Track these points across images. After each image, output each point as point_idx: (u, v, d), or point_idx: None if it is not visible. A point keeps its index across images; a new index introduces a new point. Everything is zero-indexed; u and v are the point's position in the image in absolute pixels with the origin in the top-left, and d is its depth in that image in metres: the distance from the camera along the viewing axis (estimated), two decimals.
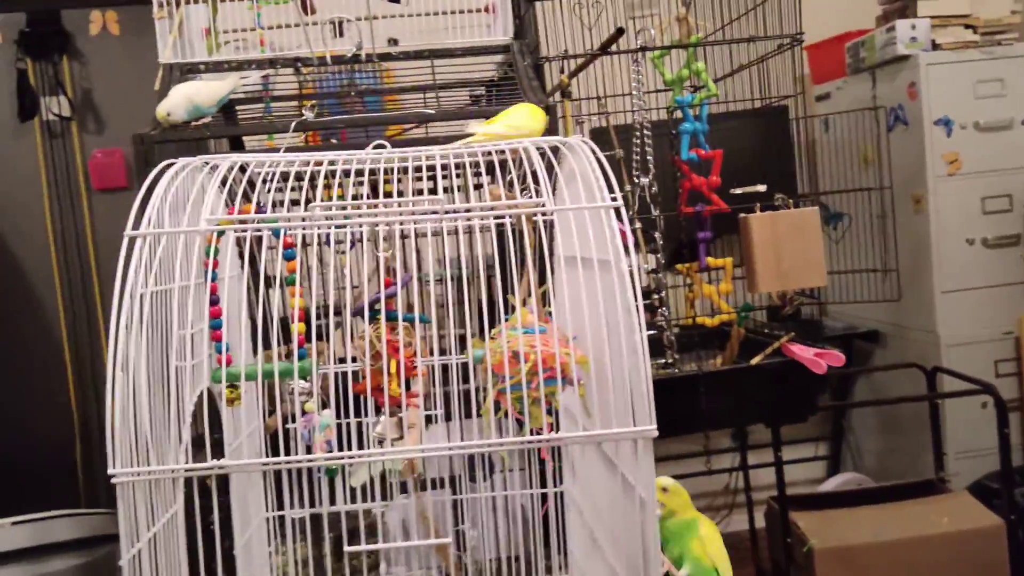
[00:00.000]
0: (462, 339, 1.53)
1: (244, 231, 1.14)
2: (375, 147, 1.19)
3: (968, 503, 2.51)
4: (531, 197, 1.08)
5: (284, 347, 1.46)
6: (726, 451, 3.38)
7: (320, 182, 1.14)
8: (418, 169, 1.21)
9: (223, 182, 1.13)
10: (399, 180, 1.20)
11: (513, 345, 1.01)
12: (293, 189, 1.11)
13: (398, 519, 1.78)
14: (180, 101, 1.60)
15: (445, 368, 1.38)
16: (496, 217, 1.31)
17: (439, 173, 1.14)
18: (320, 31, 1.85)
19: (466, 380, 1.32)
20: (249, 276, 1.33)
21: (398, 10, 1.90)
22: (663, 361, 1.99)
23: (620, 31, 1.78)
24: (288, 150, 1.45)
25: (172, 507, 0.97)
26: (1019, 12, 2.94)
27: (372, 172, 1.14)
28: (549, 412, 1.03)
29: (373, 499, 1.44)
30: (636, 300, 0.90)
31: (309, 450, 1.04)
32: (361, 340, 1.10)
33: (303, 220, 1.00)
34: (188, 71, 1.79)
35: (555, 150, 1.16)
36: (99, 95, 3.44)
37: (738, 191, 2.00)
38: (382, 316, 1.03)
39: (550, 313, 1.18)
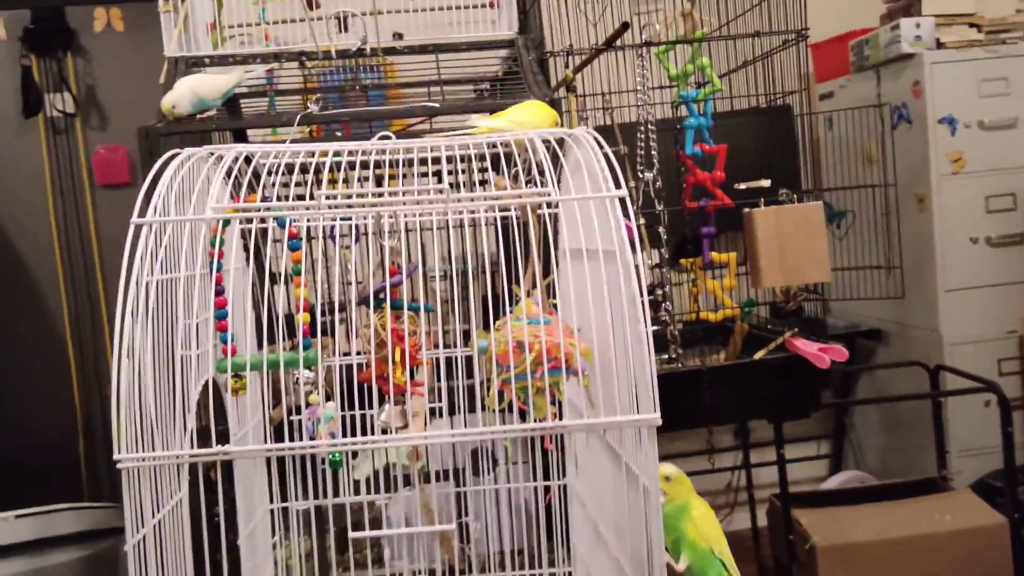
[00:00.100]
0: (466, 334, 1.54)
1: (249, 220, 1.14)
2: (380, 139, 1.19)
3: (971, 501, 2.51)
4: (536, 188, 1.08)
5: (288, 342, 1.46)
6: (729, 450, 3.38)
7: (325, 176, 1.14)
8: (423, 161, 1.22)
9: (228, 173, 1.13)
10: (404, 176, 1.20)
11: (517, 335, 1.01)
12: (298, 184, 1.11)
13: (402, 513, 1.78)
14: (185, 94, 1.61)
15: (449, 363, 1.38)
16: (501, 209, 1.31)
17: (444, 167, 1.14)
18: (325, 26, 1.85)
19: (470, 376, 1.32)
20: (255, 272, 1.33)
21: (403, 5, 1.90)
22: (666, 356, 1.99)
23: (625, 25, 1.78)
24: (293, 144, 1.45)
25: (177, 495, 0.97)
26: None
27: (377, 165, 1.14)
28: (553, 403, 1.03)
29: (377, 492, 1.45)
30: (640, 289, 0.90)
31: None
32: (366, 329, 1.10)
33: (308, 208, 1.00)
34: (193, 65, 1.79)
35: (560, 142, 1.16)
36: (103, 92, 3.45)
37: (742, 186, 2.00)
38: (387, 305, 1.03)
39: (555, 305, 1.18)
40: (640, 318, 0.89)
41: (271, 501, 1.42)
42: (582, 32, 2.00)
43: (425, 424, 1.05)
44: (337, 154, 1.13)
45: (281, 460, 1.41)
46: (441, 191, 0.99)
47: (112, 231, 3.47)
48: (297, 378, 1.25)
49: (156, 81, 1.75)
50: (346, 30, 1.89)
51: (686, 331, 2.15)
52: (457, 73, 1.97)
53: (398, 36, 1.88)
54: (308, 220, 1.12)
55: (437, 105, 1.65)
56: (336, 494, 1.41)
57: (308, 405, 1.20)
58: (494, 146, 1.20)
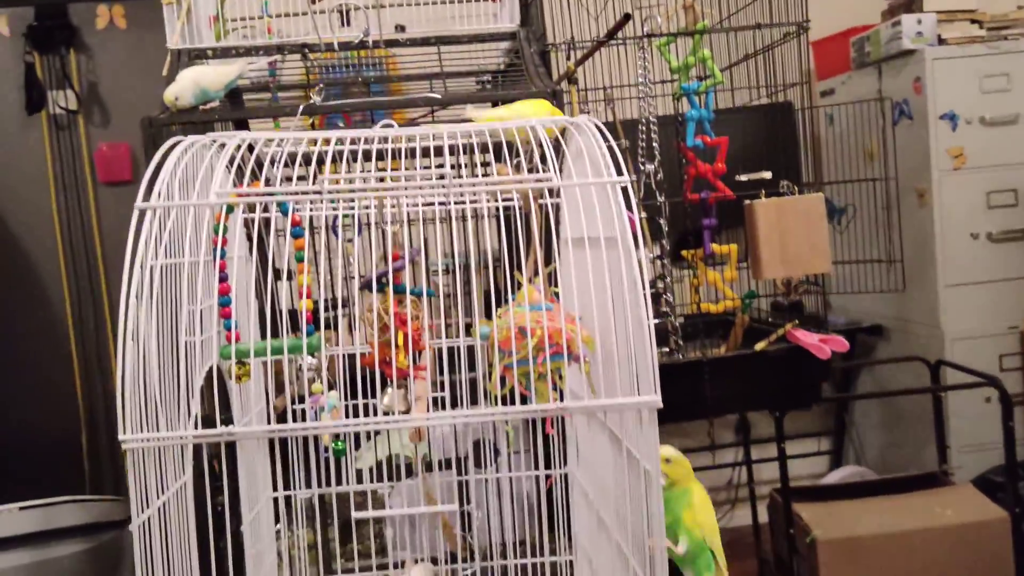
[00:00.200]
0: (468, 327, 1.54)
1: (252, 209, 1.15)
2: (382, 127, 1.20)
3: (972, 495, 2.51)
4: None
5: (292, 335, 1.47)
6: (730, 446, 3.38)
7: (328, 165, 1.15)
8: (425, 152, 1.22)
9: (231, 161, 1.14)
10: (406, 168, 1.21)
11: (520, 321, 1.01)
12: (301, 177, 1.11)
13: (404, 502, 1.79)
14: (188, 85, 1.61)
15: (452, 356, 1.39)
16: (503, 199, 1.32)
17: (446, 155, 1.15)
18: (327, 19, 1.85)
19: (472, 368, 1.32)
20: (258, 264, 1.34)
21: None
22: (667, 348, 2.00)
23: (627, 17, 1.79)
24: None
25: (181, 478, 0.98)
26: None
27: (380, 155, 1.14)
28: (554, 389, 1.04)
29: (380, 481, 1.45)
30: (642, 274, 0.91)
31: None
32: (369, 313, 1.11)
33: (311, 193, 1.01)
34: (195, 57, 1.80)
35: (562, 131, 1.16)
36: (105, 89, 3.46)
37: (743, 178, 2.01)
38: (389, 289, 1.04)
39: (556, 294, 1.19)
40: (640, 301, 0.90)
41: (274, 489, 1.42)
42: (583, 25, 2.01)
43: (428, 408, 1.06)
44: (340, 142, 1.13)
45: (284, 449, 1.42)
46: (442, 176, 0.99)
47: (114, 228, 3.47)
48: (300, 366, 1.26)
49: (158, 78, 1.76)
50: (348, 24, 1.90)
51: (687, 323, 2.15)
52: (459, 66, 1.98)
53: (400, 28, 1.88)
54: (311, 207, 1.13)
55: (439, 96, 1.66)
56: (339, 484, 1.41)
57: (311, 394, 1.21)
58: (496, 134, 1.20)
